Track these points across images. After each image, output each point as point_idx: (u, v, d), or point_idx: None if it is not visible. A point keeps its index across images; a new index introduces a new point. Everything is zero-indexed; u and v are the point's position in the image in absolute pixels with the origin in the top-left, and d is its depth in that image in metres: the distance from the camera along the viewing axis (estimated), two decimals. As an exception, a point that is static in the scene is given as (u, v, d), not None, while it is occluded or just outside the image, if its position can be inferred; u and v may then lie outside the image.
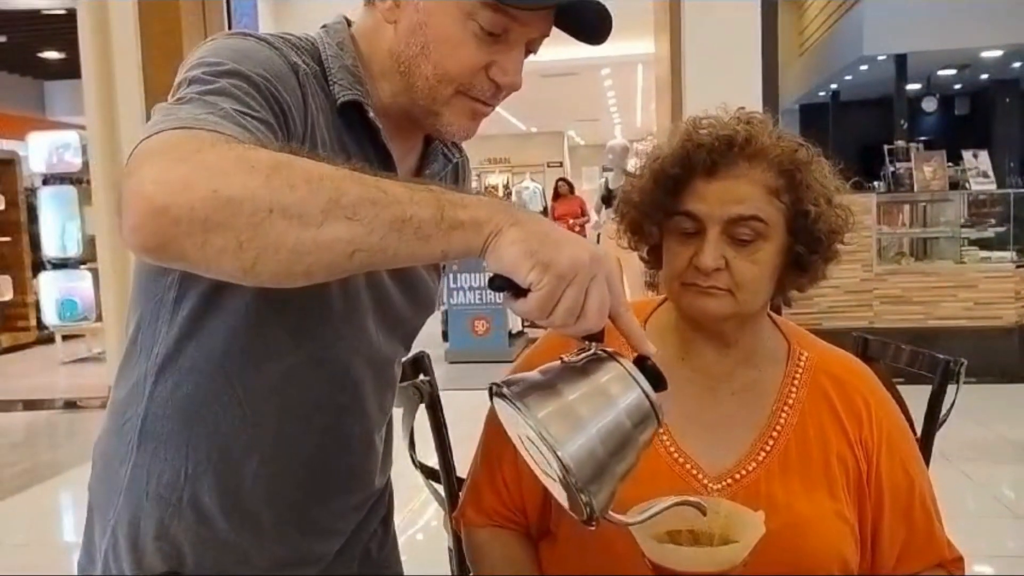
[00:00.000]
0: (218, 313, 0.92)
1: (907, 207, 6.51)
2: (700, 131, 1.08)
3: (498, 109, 1.02)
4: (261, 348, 0.93)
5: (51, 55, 11.55)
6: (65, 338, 8.23)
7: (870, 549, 1.07)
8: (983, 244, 6.28)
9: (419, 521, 3.50)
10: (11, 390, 6.77)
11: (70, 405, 6.32)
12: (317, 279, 0.73)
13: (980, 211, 6.55)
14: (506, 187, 18.35)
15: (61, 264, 8.03)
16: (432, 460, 1.47)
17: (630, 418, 0.76)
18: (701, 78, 4.16)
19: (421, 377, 1.47)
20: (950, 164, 6.35)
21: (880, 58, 11.30)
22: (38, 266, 8.37)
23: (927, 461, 1.30)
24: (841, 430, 1.08)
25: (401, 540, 1.26)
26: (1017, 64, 12.59)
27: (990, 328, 5.81)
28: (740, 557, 0.86)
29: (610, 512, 0.77)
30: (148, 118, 0.78)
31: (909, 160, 6.36)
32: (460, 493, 1.29)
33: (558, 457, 0.72)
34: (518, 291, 0.73)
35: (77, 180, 7.88)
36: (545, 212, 12.64)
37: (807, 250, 1.07)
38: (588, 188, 14.33)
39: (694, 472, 1.06)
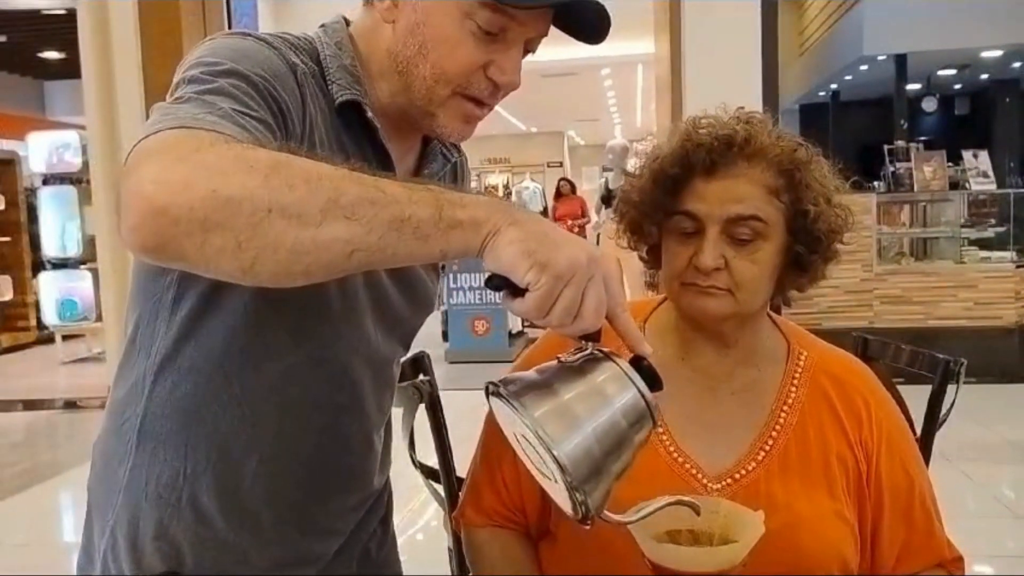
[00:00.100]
0: (217, 313, 0.92)
1: (907, 207, 6.51)
2: (699, 131, 1.08)
3: (498, 109, 1.02)
4: (260, 348, 0.93)
5: (51, 55, 11.55)
6: (65, 338, 8.24)
7: (870, 549, 1.07)
8: (983, 244, 6.28)
9: (419, 521, 3.50)
10: (11, 390, 6.78)
11: (70, 405, 6.32)
12: (316, 279, 0.73)
13: (980, 211, 6.56)
14: (506, 187, 18.35)
15: (61, 264, 8.03)
16: (432, 460, 1.47)
17: (626, 418, 0.76)
18: (701, 78, 4.16)
19: (421, 377, 1.47)
20: (950, 164, 6.35)
21: (880, 58, 11.30)
22: (38, 266, 8.37)
23: (927, 461, 1.30)
24: (841, 430, 1.08)
25: (401, 540, 1.26)
26: (1017, 64, 12.59)
27: (990, 328, 5.81)
28: (740, 557, 0.86)
29: (605, 511, 0.77)
30: (148, 118, 0.78)
31: (909, 160, 6.36)
32: (460, 493, 1.29)
33: (554, 456, 0.72)
34: (515, 291, 0.73)
35: (77, 180, 7.88)
36: (545, 212, 12.65)
37: (807, 250, 1.07)
38: (588, 188, 14.33)
39: (694, 472, 1.06)
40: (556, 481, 0.75)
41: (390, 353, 1.08)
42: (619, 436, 0.76)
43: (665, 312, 1.17)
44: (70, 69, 7.06)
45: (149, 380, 0.95)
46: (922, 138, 10.46)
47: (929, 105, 14.00)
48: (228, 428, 0.94)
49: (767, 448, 1.07)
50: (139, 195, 0.68)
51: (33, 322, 9.00)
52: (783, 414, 1.09)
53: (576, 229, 10.57)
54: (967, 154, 6.40)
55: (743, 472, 1.06)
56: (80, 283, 7.88)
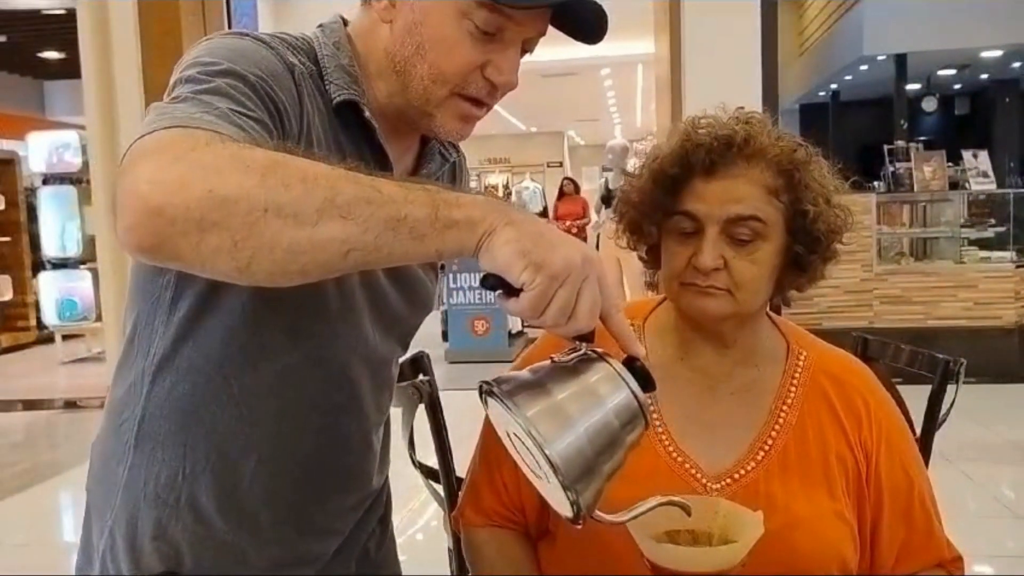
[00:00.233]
0: (215, 313, 0.92)
1: (907, 207, 6.50)
2: (699, 131, 1.08)
3: (498, 109, 1.02)
4: (258, 348, 0.93)
5: (51, 55, 11.55)
6: (65, 338, 8.24)
7: (869, 549, 1.07)
8: (983, 244, 6.28)
9: (419, 521, 3.50)
10: (11, 390, 6.78)
11: (70, 405, 6.32)
12: (312, 278, 0.73)
13: (980, 211, 6.55)
14: (506, 187, 18.36)
15: (61, 264, 8.03)
16: (431, 460, 1.47)
17: (618, 418, 0.76)
18: (701, 78, 4.15)
19: (421, 377, 1.47)
20: (950, 164, 6.35)
21: (880, 58, 11.30)
22: (38, 266, 8.37)
23: (927, 461, 1.30)
24: (840, 430, 1.08)
25: (401, 540, 1.26)
26: (1017, 64, 12.59)
27: (990, 328, 5.81)
28: (739, 557, 0.86)
29: (597, 511, 0.77)
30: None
31: (909, 160, 6.36)
32: (459, 493, 1.29)
33: (546, 455, 0.73)
34: (510, 290, 0.73)
35: (77, 180, 7.88)
36: (545, 212, 12.64)
37: (806, 250, 1.07)
38: (588, 188, 14.32)
39: (693, 472, 1.06)
40: (548, 480, 0.75)
41: (388, 353, 1.08)
42: (611, 436, 0.76)
43: (664, 312, 1.17)
44: (70, 69, 7.06)
45: (147, 380, 0.95)
46: (922, 138, 10.45)
47: (929, 105, 14.00)
48: (226, 428, 0.94)
49: (766, 448, 1.07)
50: (135, 195, 0.68)
51: (33, 322, 9.00)
52: (782, 414, 1.09)
53: (575, 230, 10.56)
54: (967, 154, 6.40)
55: (742, 472, 1.06)
56: (80, 283, 7.88)
